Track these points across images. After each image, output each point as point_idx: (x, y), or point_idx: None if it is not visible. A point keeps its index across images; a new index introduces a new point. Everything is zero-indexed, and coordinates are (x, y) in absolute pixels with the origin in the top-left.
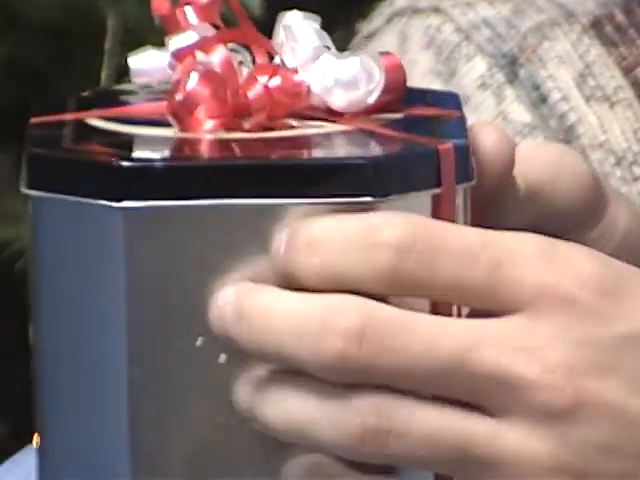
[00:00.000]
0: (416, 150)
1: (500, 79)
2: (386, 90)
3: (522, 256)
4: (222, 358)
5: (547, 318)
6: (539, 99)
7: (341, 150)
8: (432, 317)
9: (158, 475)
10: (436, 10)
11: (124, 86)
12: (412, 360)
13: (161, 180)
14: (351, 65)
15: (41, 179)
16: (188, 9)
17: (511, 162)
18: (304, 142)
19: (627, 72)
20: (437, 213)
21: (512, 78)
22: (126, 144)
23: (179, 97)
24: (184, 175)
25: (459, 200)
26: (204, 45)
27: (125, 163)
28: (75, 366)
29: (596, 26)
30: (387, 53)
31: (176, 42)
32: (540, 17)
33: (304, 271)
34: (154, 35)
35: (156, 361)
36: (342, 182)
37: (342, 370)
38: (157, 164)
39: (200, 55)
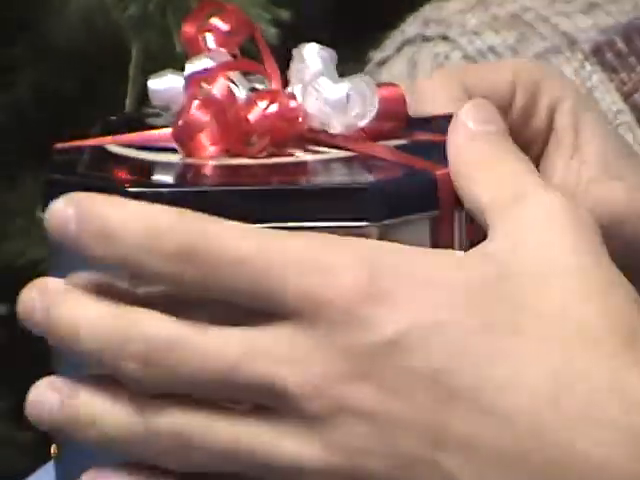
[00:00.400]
0: (414, 175)
1: None
2: (385, 118)
3: (289, 263)
4: None
5: (308, 327)
6: None
7: (340, 175)
8: (210, 329)
9: None
10: (444, 38)
11: (150, 110)
12: (192, 375)
13: (164, 204)
14: (340, 88)
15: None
16: (209, 36)
17: None
18: (304, 168)
19: (627, 97)
20: (435, 236)
21: None
22: (137, 170)
23: (181, 123)
24: (184, 200)
25: (456, 224)
26: (209, 73)
27: (132, 189)
28: None
29: (597, 53)
30: (390, 84)
31: (189, 68)
32: (544, 44)
33: (102, 259)
34: (175, 63)
35: None
36: (339, 206)
37: (140, 388)
38: (160, 190)
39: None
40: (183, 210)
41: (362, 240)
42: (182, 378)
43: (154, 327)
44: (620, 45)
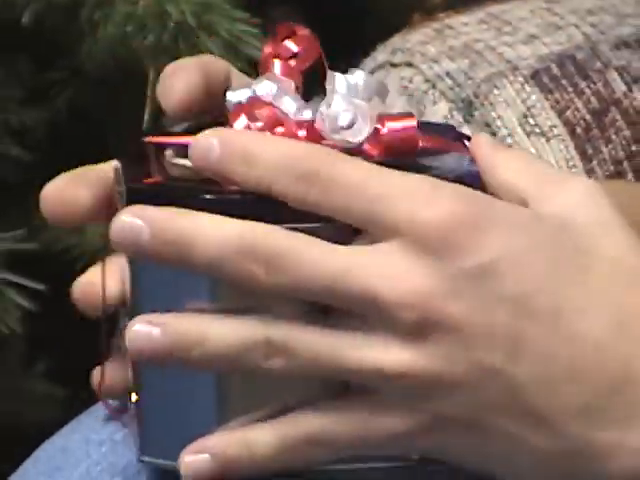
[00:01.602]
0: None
1: (459, 119)
2: (396, 152)
3: (400, 193)
4: None
5: (411, 248)
6: (490, 135)
7: None
8: (320, 242)
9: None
10: (409, 64)
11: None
12: (299, 279)
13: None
14: (336, 102)
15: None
16: (277, 62)
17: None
18: None
19: (560, 114)
20: None
21: (469, 119)
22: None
23: None
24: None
25: None
26: (255, 102)
27: (208, 196)
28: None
29: (535, 77)
30: (404, 115)
31: (238, 95)
32: (491, 69)
33: (240, 180)
34: None
35: None
36: None
37: (259, 287)
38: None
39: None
40: (316, 145)
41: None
42: (295, 282)
43: (276, 238)
44: (555, 70)
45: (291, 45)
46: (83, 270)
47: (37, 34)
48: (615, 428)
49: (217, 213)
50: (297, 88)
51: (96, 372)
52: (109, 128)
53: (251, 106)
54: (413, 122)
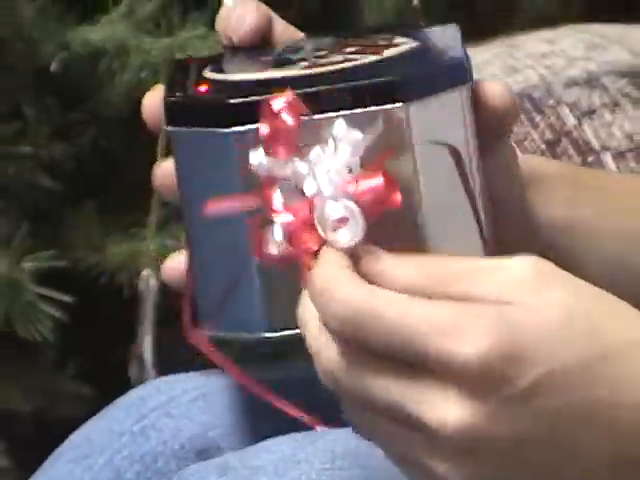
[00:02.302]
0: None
1: None
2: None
3: (435, 330)
4: None
5: (452, 387)
6: None
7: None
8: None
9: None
10: None
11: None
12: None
13: (259, 110)
14: (329, 206)
15: (175, 118)
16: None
17: (514, 108)
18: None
19: (519, 144)
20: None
21: None
22: (229, 88)
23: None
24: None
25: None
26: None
27: (229, 101)
28: (218, 248)
29: None
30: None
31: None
32: None
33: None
34: None
35: None
36: (379, 94)
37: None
38: (251, 99)
39: None
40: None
41: (487, 306)
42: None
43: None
44: None
45: (287, 117)
46: (105, 285)
47: (64, 80)
48: None
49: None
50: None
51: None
52: (126, 162)
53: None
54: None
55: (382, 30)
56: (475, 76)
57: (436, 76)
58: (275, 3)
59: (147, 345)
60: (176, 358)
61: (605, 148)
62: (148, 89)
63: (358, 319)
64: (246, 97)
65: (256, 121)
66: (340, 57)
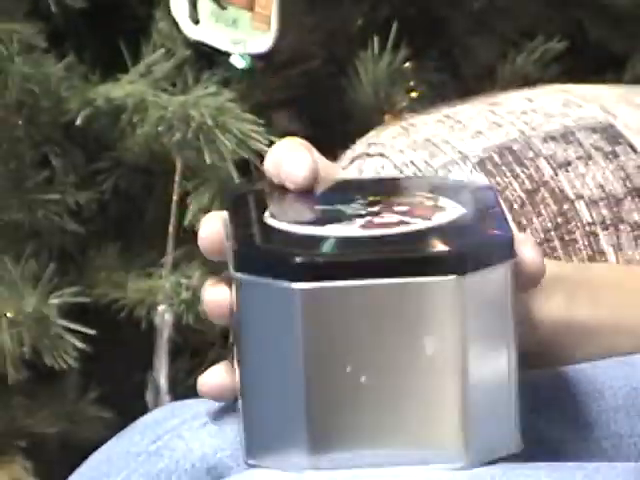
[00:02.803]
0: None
1: None
2: None
3: None
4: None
5: None
6: None
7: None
8: None
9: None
10: (381, 154)
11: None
12: None
13: (324, 270)
14: None
15: (243, 266)
16: None
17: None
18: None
19: (501, 192)
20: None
21: None
22: (295, 242)
23: None
24: (340, 266)
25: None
26: None
27: (298, 259)
28: (270, 384)
29: (481, 164)
30: None
31: None
32: (446, 158)
33: None
34: (206, 173)
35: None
36: (437, 266)
37: None
38: (319, 259)
39: None
40: None
41: None
42: None
43: None
44: (496, 159)
45: None
46: (125, 319)
47: (88, 133)
48: None
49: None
50: None
51: (208, 375)
52: (144, 206)
53: None
54: None
55: (422, 185)
56: (460, 133)
57: (488, 250)
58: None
59: (162, 373)
60: (188, 385)
61: (579, 197)
62: (164, 141)
63: None
64: (313, 256)
65: (320, 279)
66: (394, 218)
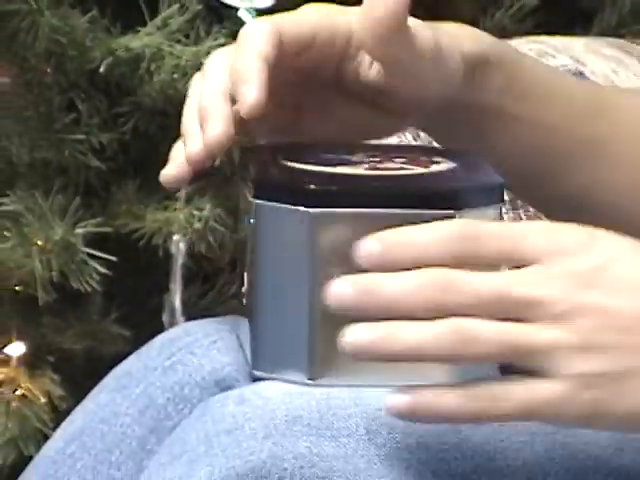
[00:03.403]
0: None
1: None
2: None
3: (531, 234)
4: None
5: (548, 266)
6: None
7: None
8: (489, 273)
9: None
10: None
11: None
12: (479, 297)
13: (334, 197)
14: None
15: (263, 193)
16: None
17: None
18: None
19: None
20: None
21: None
22: (308, 174)
23: None
24: (348, 195)
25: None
26: None
27: (312, 186)
28: (280, 302)
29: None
30: None
31: None
32: None
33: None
34: None
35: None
36: (439, 201)
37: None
38: (330, 187)
39: None
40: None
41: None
42: (470, 301)
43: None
44: None
45: None
46: (143, 246)
47: (110, 80)
48: None
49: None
50: None
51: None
52: (161, 146)
53: None
54: None
55: (415, 148)
56: None
57: (482, 191)
58: None
59: (177, 296)
60: (200, 306)
61: None
62: (178, 86)
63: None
64: (325, 185)
65: (330, 206)
66: (395, 165)
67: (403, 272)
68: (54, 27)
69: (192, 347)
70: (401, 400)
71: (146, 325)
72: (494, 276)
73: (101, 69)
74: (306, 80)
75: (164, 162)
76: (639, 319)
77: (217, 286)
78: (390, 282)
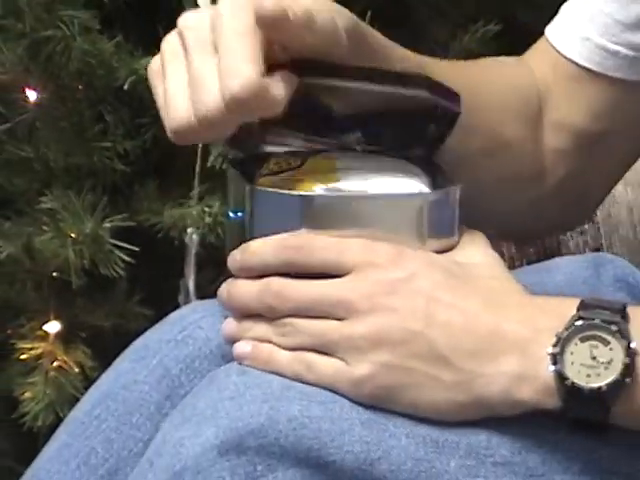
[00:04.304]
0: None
1: None
2: None
3: (350, 248)
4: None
5: (361, 275)
6: None
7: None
8: (313, 281)
9: None
10: None
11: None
12: (301, 301)
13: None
14: None
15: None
16: None
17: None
18: None
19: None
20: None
21: None
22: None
23: None
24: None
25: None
26: None
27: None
28: None
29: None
30: None
31: None
32: None
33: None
34: None
35: None
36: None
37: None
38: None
39: None
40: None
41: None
42: (295, 305)
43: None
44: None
45: None
46: (161, 238)
47: (133, 95)
48: (492, 362)
49: None
50: None
51: None
52: (176, 153)
53: None
54: None
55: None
56: None
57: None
58: None
59: (191, 280)
60: (210, 290)
61: None
62: None
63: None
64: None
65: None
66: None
67: (251, 280)
68: (85, 51)
69: (200, 322)
70: (242, 349)
71: (165, 305)
72: (316, 283)
73: (125, 86)
74: None
75: (179, 166)
76: (426, 324)
77: (225, 271)
78: (241, 290)
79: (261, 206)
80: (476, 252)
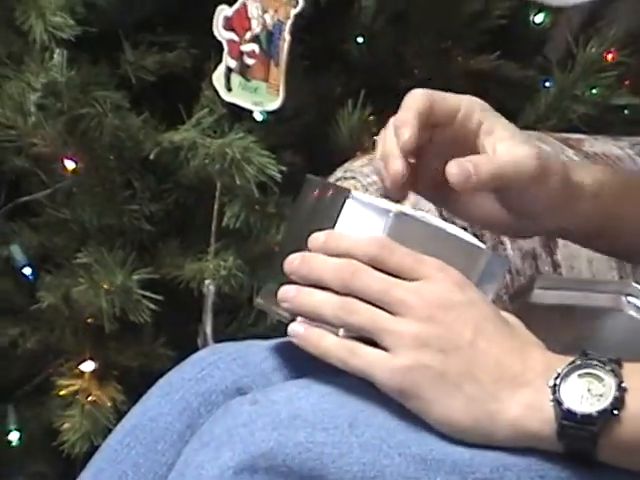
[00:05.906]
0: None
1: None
2: None
3: (424, 262)
4: None
5: (427, 285)
6: None
7: None
8: (386, 276)
9: None
10: (353, 177)
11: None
12: (371, 286)
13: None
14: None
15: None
16: None
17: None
18: None
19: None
20: None
21: None
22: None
23: None
24: None
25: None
26: None
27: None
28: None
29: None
30: None
31: None
32: None
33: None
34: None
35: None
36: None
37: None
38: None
39: None
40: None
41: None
42: (366, 293)
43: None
44: None
45: None
46: (183, 289)
47: (158, 164)
48: (511, 392)
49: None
50: None
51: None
52: (195, 214)
53: None
54: None
55: None
56: None
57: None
58: None
59: (208, 325)
60: (226, 333)
61: None
62: (209, 170)
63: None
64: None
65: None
66: None
67: (333, 257)
68: (116, 126)
69: (218, 363)
70: (296, 329)
71: (186, 347)
72: (388, 278)
73: (151, 156)
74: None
75: (198, 225)
76: (469, 345)
77: (238, 317)
78: (320, 260)
79: (351, 210)
80: (508, 316)
